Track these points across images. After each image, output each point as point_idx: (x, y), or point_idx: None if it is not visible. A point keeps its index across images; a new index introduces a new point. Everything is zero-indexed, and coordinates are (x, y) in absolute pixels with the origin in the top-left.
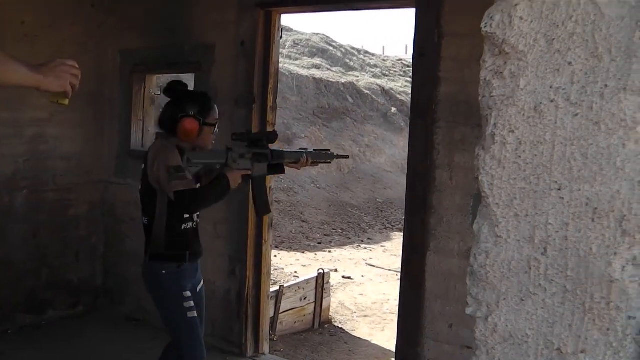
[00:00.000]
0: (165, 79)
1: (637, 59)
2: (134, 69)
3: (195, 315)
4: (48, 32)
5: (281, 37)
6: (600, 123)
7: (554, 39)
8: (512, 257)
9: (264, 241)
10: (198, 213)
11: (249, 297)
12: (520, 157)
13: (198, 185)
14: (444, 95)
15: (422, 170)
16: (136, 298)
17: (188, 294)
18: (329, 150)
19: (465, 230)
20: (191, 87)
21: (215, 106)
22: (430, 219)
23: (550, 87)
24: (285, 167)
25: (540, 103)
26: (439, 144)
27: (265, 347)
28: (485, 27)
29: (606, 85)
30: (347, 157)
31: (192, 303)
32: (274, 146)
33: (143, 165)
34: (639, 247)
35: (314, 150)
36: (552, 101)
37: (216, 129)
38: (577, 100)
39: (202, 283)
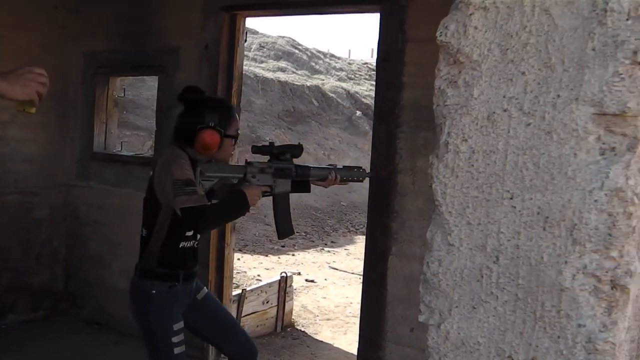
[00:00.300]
0: (129, 80)
1: (589, 70)
2: (97, 71)
3: (184, 350)
4: (12, 32)
5: (246, 41)
6: (552, 133)
7: (507, 49)
8: (464, 265)
9: (226, 245)
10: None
11: None
12: (473, 165)
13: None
14: (407, 100)
15: (385, 174)
16: (98, 302)
17: (179, 325)
18: (361, 167)
19: None
20: (154, 91)
21: (236, 115)
22: (393, 223)
23: (504, 97)
24: (311, 185)
25: (494, 112)
26: (401, 148)
27: None
28: (440, 36)
29: (559, 96)
30: (374, 175)
31: (181, 337)
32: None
33: (151, 173)
34: (589, 256)
35: (343, 167)
36: (505, 110)
37: (238, 140)
38: (530, 110)
39: (204, 289)
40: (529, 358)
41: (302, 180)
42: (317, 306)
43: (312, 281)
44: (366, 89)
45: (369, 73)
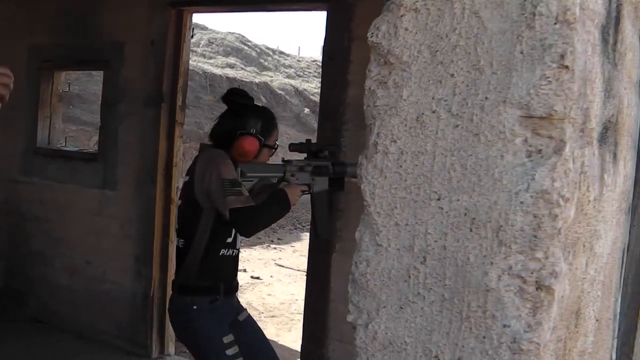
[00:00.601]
0: (76, 75)
1: (517, 73)
2: (41, 65)
3: None
4: None
5: (192, 36)
6: (480, 135)
7: (437, 51)
8: (392, 265)
9: (170, 241)
10: (240, 240)
11: (154, 298)
12: (401, 166)
13: None
14: (352, 98)
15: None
16: (41, 299)
17: (230, 338)
18: None
19: None
20: (99, 86)
21: (278, 126)
22: (337, 221)
23: (433, 98)
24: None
25: (423, 114)
26: (345, 146)
27: (171, 347)
28: (372, 37)
29: (487, 98)
30: None
31: (236, 349)
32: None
33: (187, 178)
34: (515, 257)
35: None
36: (434, 112)
37: (275, 151)
38: (458, 112)
39: (245, 311)
40: (455, 358)
41: (338, 178)
42: (262, 303)
43: (258, 278)
44: (315, 87)
45: (317, 70)
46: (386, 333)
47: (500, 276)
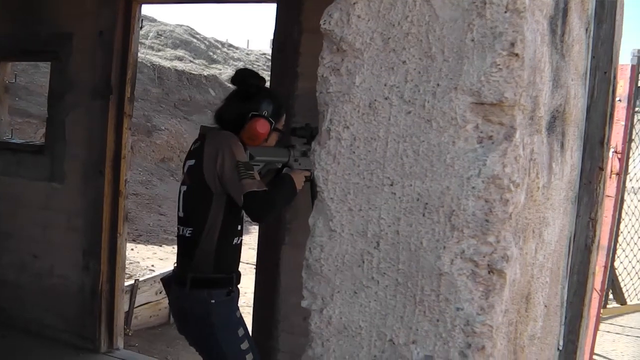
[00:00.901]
0: (22, 66)
1: (468, 60)
2: None
3: (253, 356)
4: None
5: (141, 28)
6: (432, 121)
7: (389, 38)
8: (345, 250)
9: (118, 234)
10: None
11: (102, 291)
12: (354, 152)
13: None
14: (301, 90)
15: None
16: None
17: (242, 331)
18: None
19: None
20: (46, 77)
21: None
22: (286, 213)
23: (385, 85)
24: None
25: (375, 100)
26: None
27: (120, 342)
28: (324, 24)
29: (438, 85)
30: None
31: (247, 343)
32: None
33: (193, 162)
34: (467, 242)
35: None
36: (386, 99)
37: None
38: (411, 99)
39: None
40: (409, 341)
41: None
42: None
43: None
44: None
45: (267, 64)
46: (340, 318)
47: (453, 260)
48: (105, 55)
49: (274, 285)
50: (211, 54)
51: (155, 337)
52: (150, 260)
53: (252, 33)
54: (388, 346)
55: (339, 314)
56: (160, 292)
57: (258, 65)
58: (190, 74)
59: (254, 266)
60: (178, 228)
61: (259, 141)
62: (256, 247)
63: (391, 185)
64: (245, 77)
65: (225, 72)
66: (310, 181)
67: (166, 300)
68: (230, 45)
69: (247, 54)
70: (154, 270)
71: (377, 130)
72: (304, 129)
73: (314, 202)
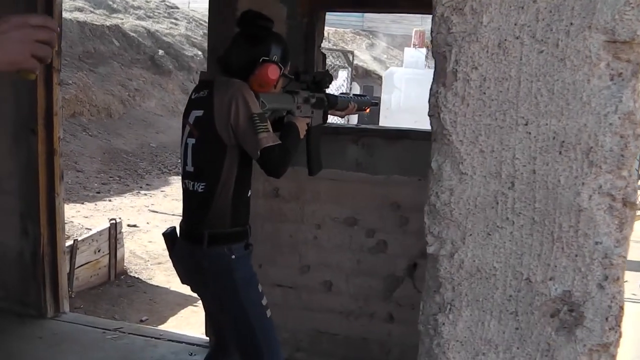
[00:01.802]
0: None
1: None
2: None
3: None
4: None
5: None
6: (565, 59)
7: None
8: (478, 192)
9: (56, 195)
10: None
11: (44, 255)
12: (484, 93)
13: None
14: None
15: None
16: None
17: (260, 287)
18: (366, 95)
19: None
20: None
21: None
22: None
23: (515, 24)
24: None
25: (505, 40)
26: None
27: (66, 305)
28: None
29: (571, 23)
30: (377, 104)
31: (266, 299)
32: None
33: (201, 112)
34: (604, 177)
35: (354, 95)
36: (517, 38)
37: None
38: (543, 37)
39: None
40: (547, 278)
41: (323, 111)
42: (145, 251)
43: (135, 226)
44: (166, 27)
45: (167, 11)
46: (473, 261)
47: (591, 196)
48: (29, 8)
49: None
50: (111, 3)
51: (98, 297)
52: (75, 219)
53: None
54: (524, 285)
55: (471, 257)
56: (99, 251)
57: (159, 13)
58: (92, 25)
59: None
60: (186, 182)
61: (269, 88)
62: (180, 198)
63: (525, 124)
64: (253, 19)
65: (128, 22)
66: (308, 128)
67: (105, 259)
68: None
69: (147, 1)
70: (90, 229)
71: (508, 70)
72: (307, 74)
73: (312, 155)
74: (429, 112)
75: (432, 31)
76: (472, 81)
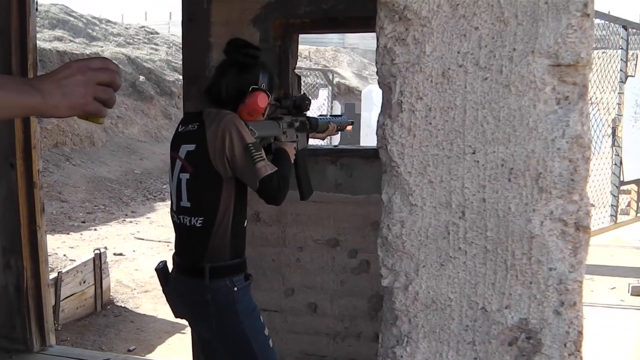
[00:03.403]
0: None
1: (543, 23)
2: None
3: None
4: None
5: (37, 9)
6: (510, 86)
7: (458, 4)
8: (429, 223)
9: (37, 228)
10: None
11: (28, 289)
12: (430, 123)
13: None
14: (216, 61)
15: None
16: None
17: (262, 317)
18: (343, 115)
19: None
20: None
21: None
22: None
23: (458, 52)
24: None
25: (449, 68)
26: None
27: (52, 338)
28: None
29: (514, 49)
30: (353, 122)
31: (267, 329)
32: None
33: (193, 147)
34: (555, 202)
35: (331, 116)
36: (460, 66)
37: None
38: (486, 64)
39: None
40: (503, 307)
41: (307, 134)
42: (131, 279)
43: (121, 254)
44: (146, 53)
45: (147, 37)
46: (428, 292)
47: (542, 222)
48: (3, 42)
49: None
50: (90, 31)
51: (84, 328)
52: (60, 249)
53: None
54: (480, 314)
55: (425, 288)
56: (84, 282)
57: (139, 39)
58: (72, 53)
59: (168, 243)
60: (181, 218)
61: (258, 116)
62: (166, 224)
63: (473, 153)
64: (241, 47)
65: (108, 49)
66: (295, 152)
67: (90, 290)
68: (108, 21)
69: (126, 28)
70: (74, 260)
71: (453, 99)
72: (287, 99)
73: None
74: (377, 144)
75: (376, 62)
76: (418, 112)
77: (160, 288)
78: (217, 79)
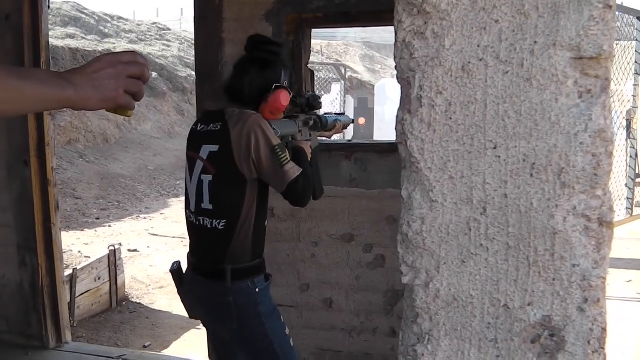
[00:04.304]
0: None
1: (565, 15)
2: None
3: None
4: None
5: (49, 7)
6: (531, 79)
7: None
8: (450, 220)
9: (52, 225)
10: None
11: (43, 286)
12: (451, 118)
13: None
14: (229, 57)
15: None
16: None
17: (282, 317)
18: (343, 113)
19: None
20: None
21: None
22: None
23: (478, 46)
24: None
25: (469, 62)
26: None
27: (68, 335)
28: None
29: (535, 42)
30: (354, 121)
31: (288, 329)
32: None
33: (217, 148)
34: (578, 197)
35: (335, 114)
36: (481, 60)
37: None
38: (507, 58)
39: None
40: (525, 304)
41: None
42: (146, 275)
43: (136, 250)
44: (159, 50)
45: (159, 33)
46: (449, 289)
47: (565, 217)
48: (16, 40)
49: None
50: (102, 28)
51: (100, 324)
52: (75, 246)
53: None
54: (503, 311)
55: (447, 285)
56: (99, 279)
57: (151, 36)
58: (85, 51)
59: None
60: (200, 220)
61: (279, 114)
62: (180, 220)
63: (494, 148)
64: (263, 44)
65: (120, 46)
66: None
67: (105, 286)
68: (120, 18)
69: (138, 24)
70: (89, 257)
71: (473, 93)
72: (302, 97)
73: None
74: (396, 139)
75: (395, 57)
76: (438, 106)
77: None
78: (238, 76)
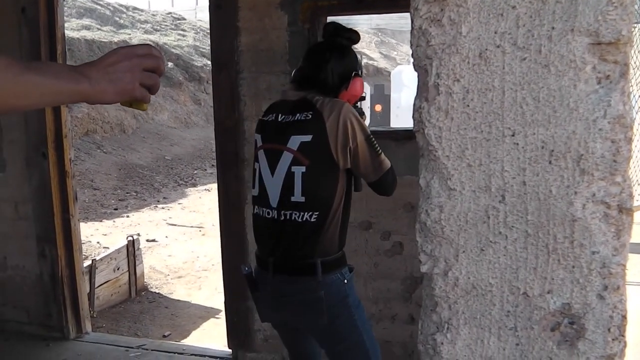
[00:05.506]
0: None
1: (582, 0)
2: None
3: None
4: None
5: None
6: (549, 66)
7: None
8: (468, 208)
9: (71, 216)
10: None
11: (63, 277)
12: (468, 106)
13: None
14: (245, 45)
15: (230, 123)
16: None
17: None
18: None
19: None
20: None
21: None
22: (244, 172)
23: (495, 33)
24: None
25: (486, 49)
26: (244, 95)
27: (88, 325)
28: None
29: (553, 28)
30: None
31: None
32: None
33: (309, 137)
34: (597, 184)
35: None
36: (498, 46)
37: None
38: (525, 44)
39: None
40: (545, 292)
41: None
42: (165, 265)
43: (154, 240)
44: (174, 39)
45: (174, 23)
46: (468, 278)
47: (585, 204)
48: (32, 32)
49: (241, 245)
50: (117, 19)
51: (119, 314)
52: (94, 237)
53: None
54: (522, 299)
55: (466, 274)
56: (118, 269)
57: (166, 26)
58: (100, 42)
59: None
60: (287, 215)
61: (354, 101)
62: (198, 210)
63: (512, 135)
64: (343, 31)
65: (135, 37)
66: None
67: (124, 276)
68: (135, 8)
69: (153, 15)
70: (107, 248)
71: (491, 80)
72: None
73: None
74: (413, 127)
75: (411, 44)
76: (455, 94)
77: (193, 274)
78: (318, 64)
